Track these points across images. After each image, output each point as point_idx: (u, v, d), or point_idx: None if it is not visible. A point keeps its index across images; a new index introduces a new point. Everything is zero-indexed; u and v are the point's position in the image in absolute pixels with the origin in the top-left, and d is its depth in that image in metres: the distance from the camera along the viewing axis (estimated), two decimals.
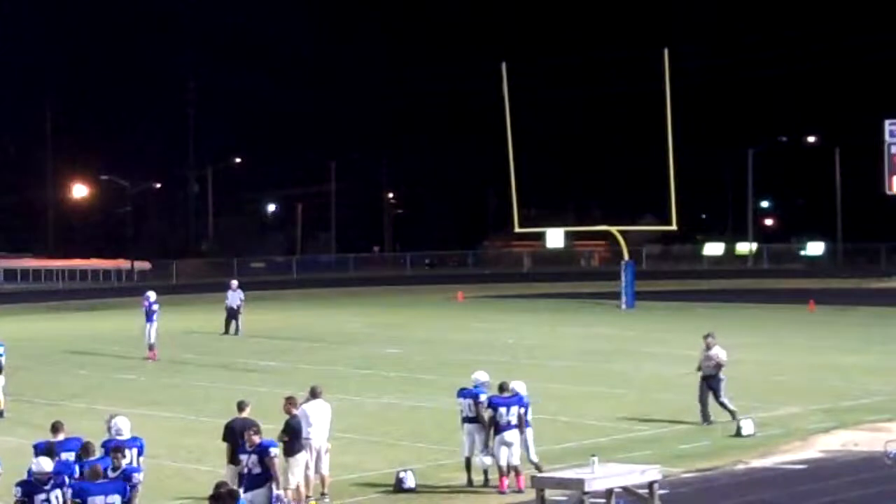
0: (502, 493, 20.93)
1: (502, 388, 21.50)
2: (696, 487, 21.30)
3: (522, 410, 21.29)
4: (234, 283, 50.10)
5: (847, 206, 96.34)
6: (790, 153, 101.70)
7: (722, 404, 26.93)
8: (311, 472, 20.43)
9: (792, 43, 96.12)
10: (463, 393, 21.80)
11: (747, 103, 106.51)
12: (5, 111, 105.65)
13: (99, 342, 46.61)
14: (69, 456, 17.34)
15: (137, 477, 16.32)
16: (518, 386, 21.73)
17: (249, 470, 17.60)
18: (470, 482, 21.40)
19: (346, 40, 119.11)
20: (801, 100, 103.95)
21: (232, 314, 47.96)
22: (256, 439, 17.67)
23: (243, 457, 17.79)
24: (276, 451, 17.83)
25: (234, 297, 48.49)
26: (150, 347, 41.10)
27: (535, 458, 21.48)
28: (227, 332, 48.37)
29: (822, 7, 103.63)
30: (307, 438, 20.30)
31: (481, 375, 22.00)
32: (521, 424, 21.24)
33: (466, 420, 21.63)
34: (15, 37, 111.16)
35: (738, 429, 25.70)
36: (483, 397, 21.53)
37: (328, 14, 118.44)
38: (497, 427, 21.07)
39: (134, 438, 17.83)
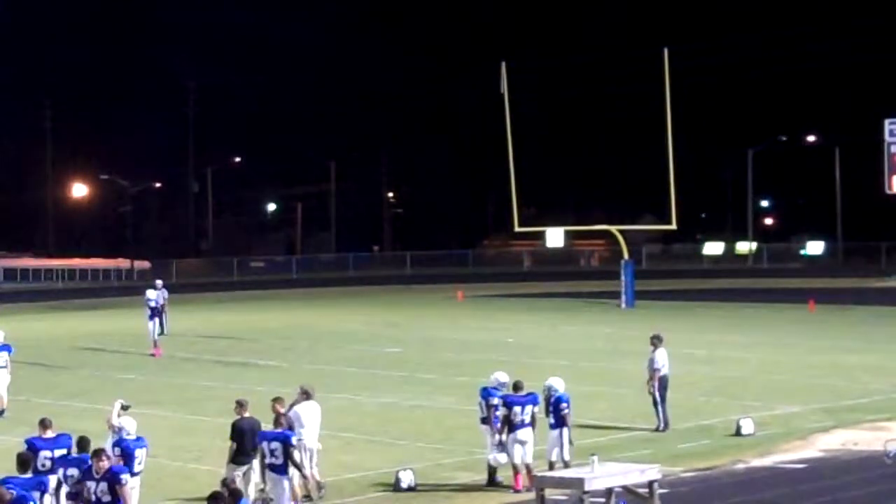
0: (517, 491, 20.93)
1: (517, 386, 21.52)
2: (696, 487, 21.30)
3: (536, 409, 21.32)
4: (159, 282, 47.82)
5: (847, 205, 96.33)
6: (790, 153, 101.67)
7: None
8: (308, 472, 20.44)
9: (792, 43, 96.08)
10: (482, 393, 21.83)
11: (747, 103, 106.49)
12: (5, 111, 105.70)
13: (99, 341, 46.63)
14: (61, 453, 17.39)
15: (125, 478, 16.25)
16: (557, 382, 21.80)
17: (98, 499, 15.98)
18: (490, 483, 21.42)
19: (346, 40, 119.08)
20: (801, 100, 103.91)
21: (155, 313, 43.37)
22: (105, 464, 16.07)
23: (90, 483, 16.05)
24: (126, 479, 16.29)
25: (159, 295, 46.22)
26: (155, 344, 41.48)
27: (567, 457, 21.47)
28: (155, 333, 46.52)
29: (822, 7, 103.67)
30: (300, 440, 20.32)
31: (501, 376, 22.02)
32: (535, 423, 21.26)
33: (481, 421, 21.69)
34: (15, 37, 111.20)
35: (738, 428, 25.71)
36: (495, 400, 21.52)
37: (328, 14, 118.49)
38: (511, 425, 21.08)
39: (139, 438, 17.93)
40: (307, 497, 20.27)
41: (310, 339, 46.78)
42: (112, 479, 16.01)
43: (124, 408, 19.10)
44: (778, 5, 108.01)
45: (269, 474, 18.44)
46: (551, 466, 21.17)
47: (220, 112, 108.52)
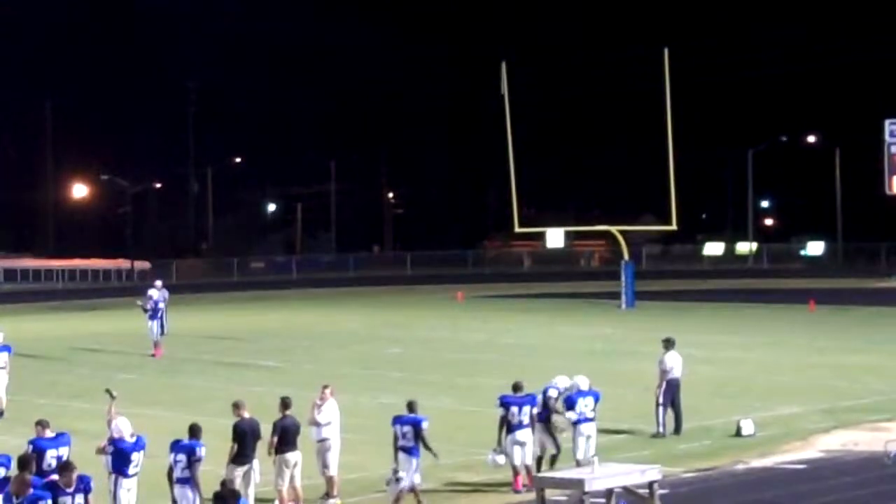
0: (517, 491, 20.94)
1: (516, 387, 21.51)
2: (696, 487, 21.30)
3: (535, 410, 21.31)
4: (159, 282, 47.17)
5: (847, 206, 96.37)
6: (790, 153, 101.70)
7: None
8: (333, 472, 20.63)
9: (792, 43, 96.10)
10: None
11: (747, 103, 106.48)
12: (5, 111, 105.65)
13: (99, 342, 46.61)
14: (64, 451, 17.37)
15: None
16: (581, 381, 22.06)
17: None
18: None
19: (346, 40, 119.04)
20: (801, 100, 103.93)
21: (156, 313, 42.76)
22: (74, 476, 15.27)
23: (65, 499, 15.20)
24: (93, 485, 15.71)
25: (160, 295, 43.80)
26: (156, 345, 41.44)
27: (582, 456, 21.42)
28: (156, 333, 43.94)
29: (822, 7, 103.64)
30: (325, 439, 20.50)
31: (561, 381, 22.22)
32: (533, 424, 21.25)
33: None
34: (15, 36, 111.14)
35: (739, 429, 25.71)
36: (552, 392, 21.84)
37: (328, 14, 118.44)
38: (509, 427, 21.07)
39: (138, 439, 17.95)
40: (327, 495, 20.44)
41: (310, 339, 46.78)
42: (86, 488, 15.48)
43: (107, 391, 19.20)
44: (778, 5, 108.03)
45: (400, 455, 19.90)
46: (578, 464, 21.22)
47: (220, 112, 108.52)
